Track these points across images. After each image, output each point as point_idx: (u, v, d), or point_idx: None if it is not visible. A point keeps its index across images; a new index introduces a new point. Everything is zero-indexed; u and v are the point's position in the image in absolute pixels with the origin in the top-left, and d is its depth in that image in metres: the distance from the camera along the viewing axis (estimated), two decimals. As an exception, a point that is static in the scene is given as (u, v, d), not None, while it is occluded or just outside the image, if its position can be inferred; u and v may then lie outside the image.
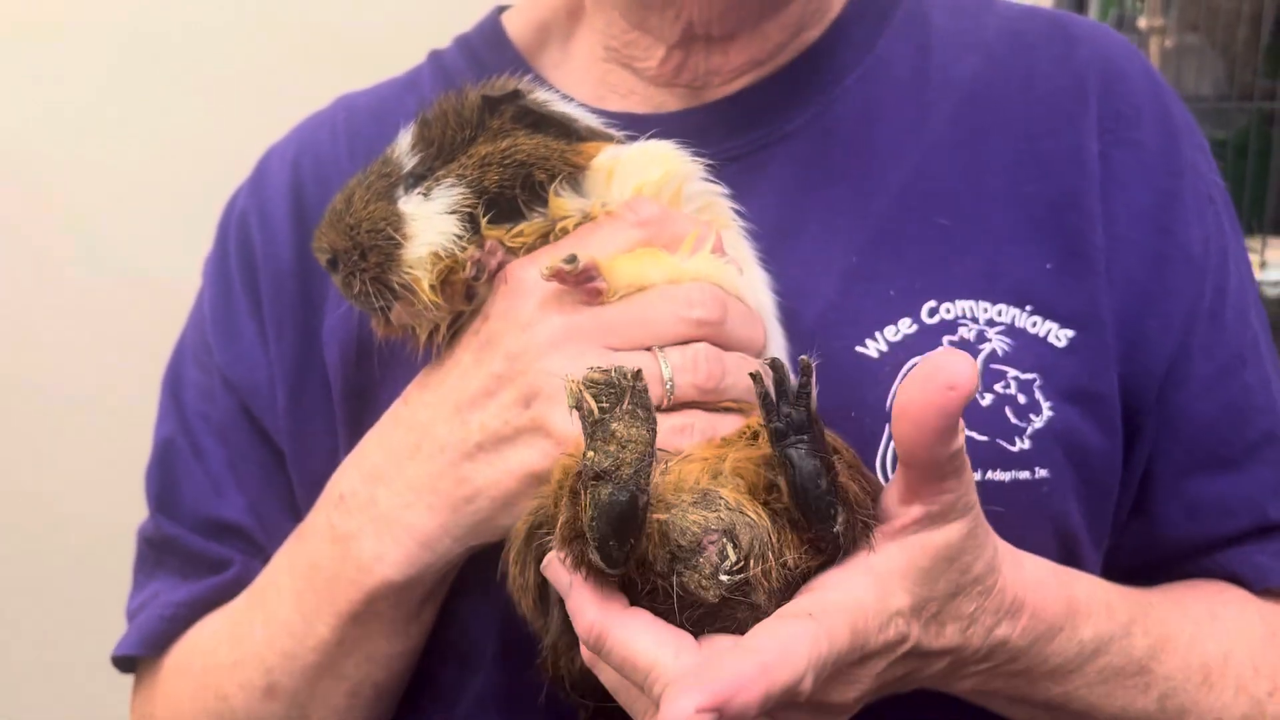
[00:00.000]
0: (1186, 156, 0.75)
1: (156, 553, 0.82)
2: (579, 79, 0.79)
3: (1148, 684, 0.65)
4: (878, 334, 0.68)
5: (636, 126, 0.70)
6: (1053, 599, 0.60)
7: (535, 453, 0.61)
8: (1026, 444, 0.67)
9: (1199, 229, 0.74)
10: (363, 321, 0.71)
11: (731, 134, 0.74)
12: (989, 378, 0.68)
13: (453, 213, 0.64)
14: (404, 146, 0.67)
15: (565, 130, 0.67)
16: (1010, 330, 0.69)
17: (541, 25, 0.83)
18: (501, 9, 0.86)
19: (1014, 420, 0.68)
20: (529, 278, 0.62)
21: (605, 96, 0.78)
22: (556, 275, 0.59)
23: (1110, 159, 0.73)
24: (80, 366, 1.70)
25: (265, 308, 0.79)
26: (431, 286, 0.63)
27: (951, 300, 0.69)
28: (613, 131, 0.69)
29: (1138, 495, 0.74)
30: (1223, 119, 1.95)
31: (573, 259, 0.58)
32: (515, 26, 0.84)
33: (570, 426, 0.54)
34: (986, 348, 0.69)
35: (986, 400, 0.68)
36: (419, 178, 0.66)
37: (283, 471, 0.78)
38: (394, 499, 0.65)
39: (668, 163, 0.67)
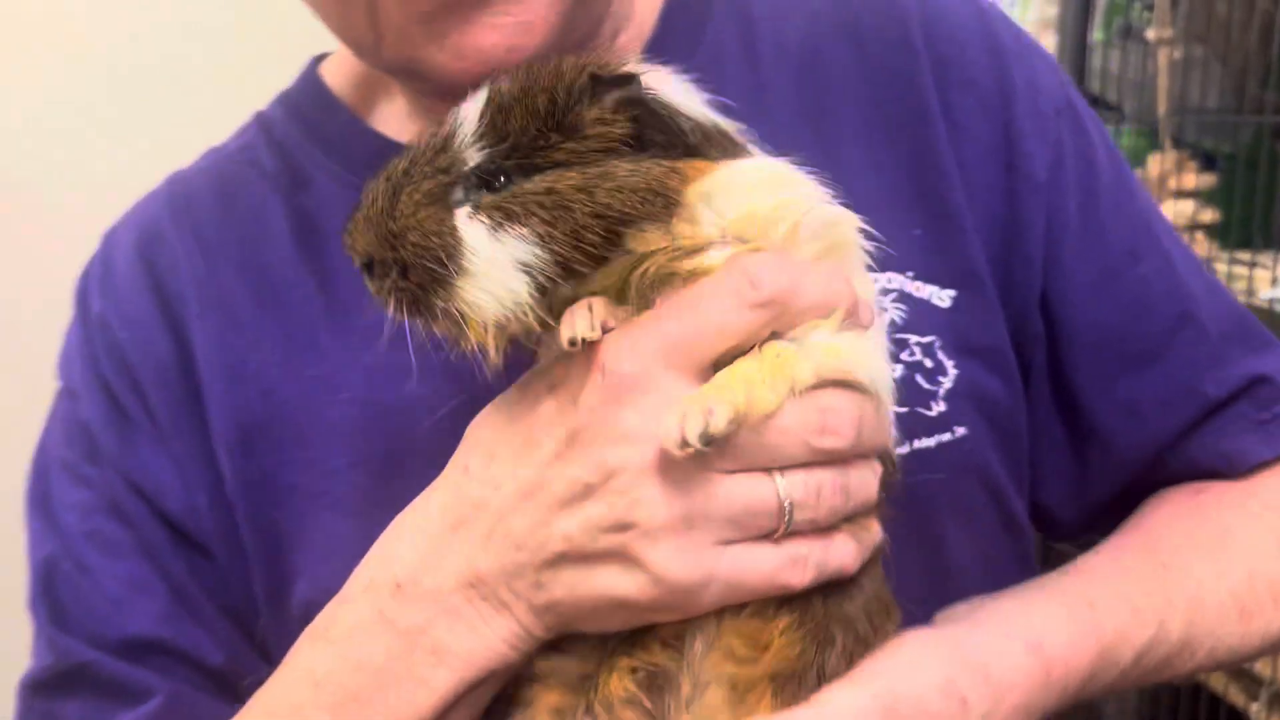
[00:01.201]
0: (1017, 80, 0.74)
1: (50, 696, 0.70)
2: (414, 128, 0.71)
3: (1192, 651, 0.67)
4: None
5: None
6: (1080, 650, 0.61)
7: (628, 582, 0.54)
8: (942, 406, 0.69)
9: (1042, 150, 0.73)
10: (250, 404, 0.68)
11: None
12: (894, 348, 0.66)
13: (525, 271, 0.53)
14: (469, 131, 0.55)
15: (670, 138, 0.55)
16: (902, 297, 0.69)
17: (364, 77, 0.77)
18: (318, 59, 0.81)
19: (925, 385, 0.69)
20: (628, 373, 0.53)
21: None
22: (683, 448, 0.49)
23: (950, 106, 0.73)
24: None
25: (156, 407, 0.72)
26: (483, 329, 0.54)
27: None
28: (732, 140, 0.58)
29: (1086, 423, 0.74)
30: (1230, 132, 1.92)
31: (708, 439, 0.49)
32: (337, 80, 0.78)
33: (672, 567, 0.52)
34: (885, 317, 0.68)
35: (897, 371, 0.67)
36: (484, 182, 0.55)
37: (211, 570, 0.71)
38: (464, 589, 0.57)
39: (782, 188, 0.57)
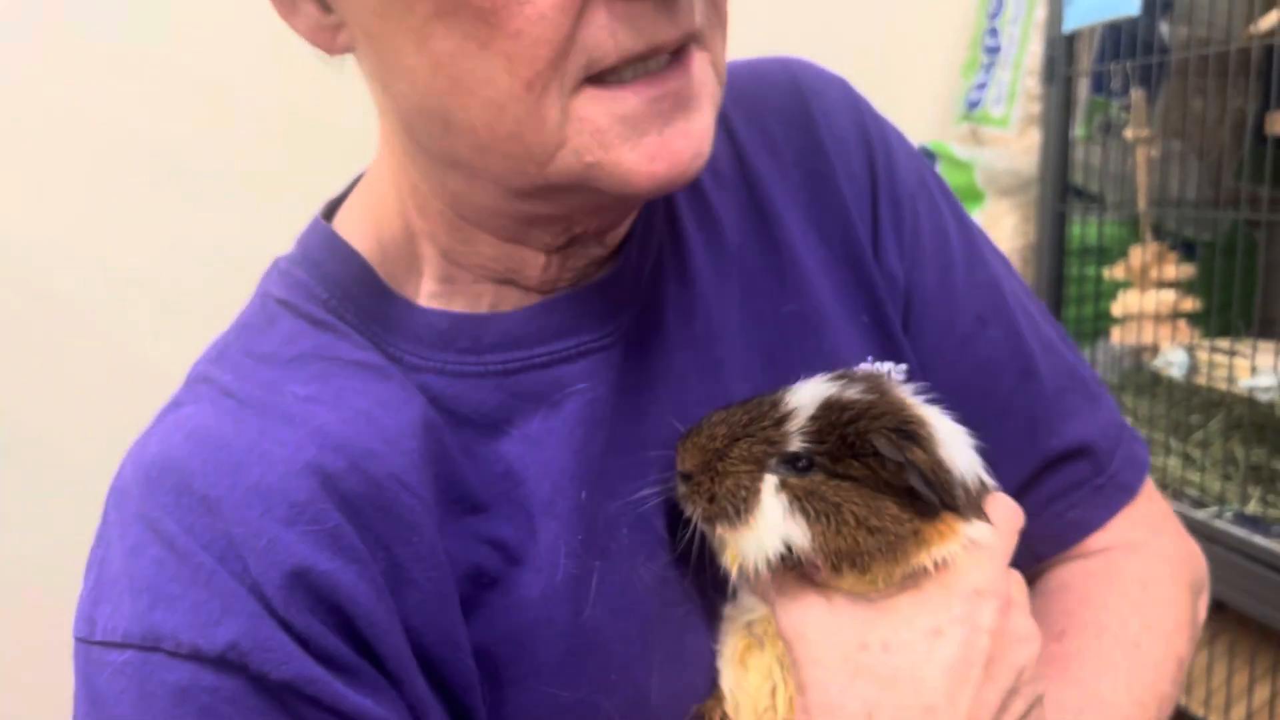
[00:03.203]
0: (881, 165, 0.82)
1: None
2: (461, 302, 0.70)
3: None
4: None
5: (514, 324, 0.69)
6: None
7: None
8: None
9: (899, 233, 0.81)
10: None
11: (612, 314, 0.71)
12: None
13: (785, 544, 0.65)
14: (800, 419, 0.66)
15: (940, 497, 0.65)
16: None
17: (387, 246, 0.71)
18: (327, 212, 0.74)
19: None
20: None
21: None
22: None
23: (861, 203, 0.81)
24: (76, 455, 1.72)
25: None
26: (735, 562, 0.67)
27: None
28: (985, 487, 0.70)
29: None
30: (1209, 222, 2.00)
31: None
32: (366, 246, 0.70)
33: None
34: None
35: None
36: (792, 466, 0.66)
37: None
38: None
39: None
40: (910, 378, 0.77)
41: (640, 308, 0.73)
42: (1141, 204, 1.89)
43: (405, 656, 0.59)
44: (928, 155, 2.24)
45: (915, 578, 0.66)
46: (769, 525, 0.65)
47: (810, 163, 0.80)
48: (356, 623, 0.57)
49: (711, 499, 0.66)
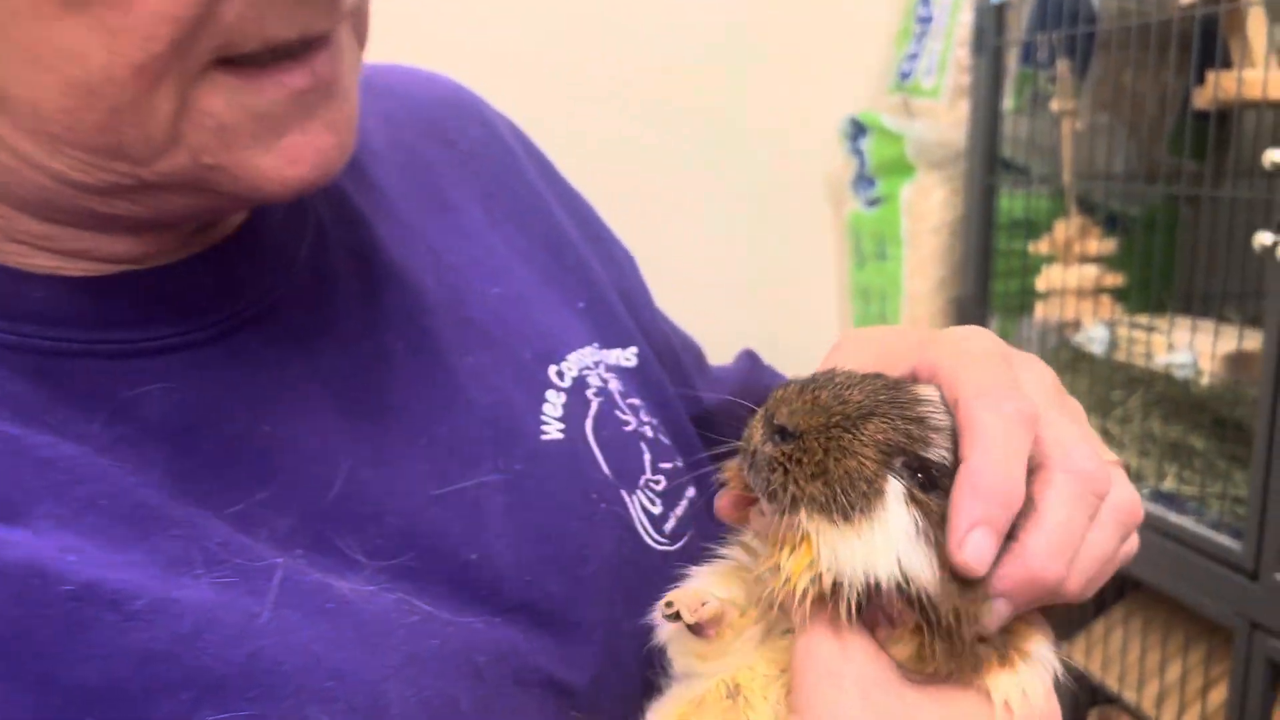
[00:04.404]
0: (546, 163, 0.82)
1: None
2: None
3: None
4: (545, 417, 0.66)
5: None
6: None
7: None
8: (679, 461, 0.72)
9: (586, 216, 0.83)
10: None
11: (225, 298, 0.57)
12: (635, 412, 0.71)
13: (901, 571, 0.48)
14: (945, 429, 0.50)
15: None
16: (608, 368, 0.72)
17: None
18: None
19: (667, 441, 0.72)
20: None
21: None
22: None
23: (551, 195, 0.79)
24: None
25: None
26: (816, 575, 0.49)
27: (561, 358, 0.69)
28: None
29: None
30: (1136, 197, 1.99)
31: None
32: None
33: None
34: (613, 386, 0.71)
35: (649, 430, 0.71)
36: (913, 475, 0.50)
37: None
38: None
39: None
40: (642, 363, 0.74)
41: (287, 286, 0.60)
42: (1066, 177, 1.87)
43: None
44: (858, 127, 2.20)
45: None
46: (888, 541, 0.48)
47: (493, 153, 0.77)
48: None
49: (822, 476, 0.49)
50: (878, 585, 0.47)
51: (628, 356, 0.74)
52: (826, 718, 0.48)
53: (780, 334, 2.37)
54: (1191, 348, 1.62)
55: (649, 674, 0.63)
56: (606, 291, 0.76)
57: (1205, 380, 1.62)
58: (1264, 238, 1.34)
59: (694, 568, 0.59)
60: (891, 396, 0.51)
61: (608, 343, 0.74)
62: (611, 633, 0.62)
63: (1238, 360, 1.60)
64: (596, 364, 0.71)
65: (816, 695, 0.48)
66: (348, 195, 0.66)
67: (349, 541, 0.56)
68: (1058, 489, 0.49)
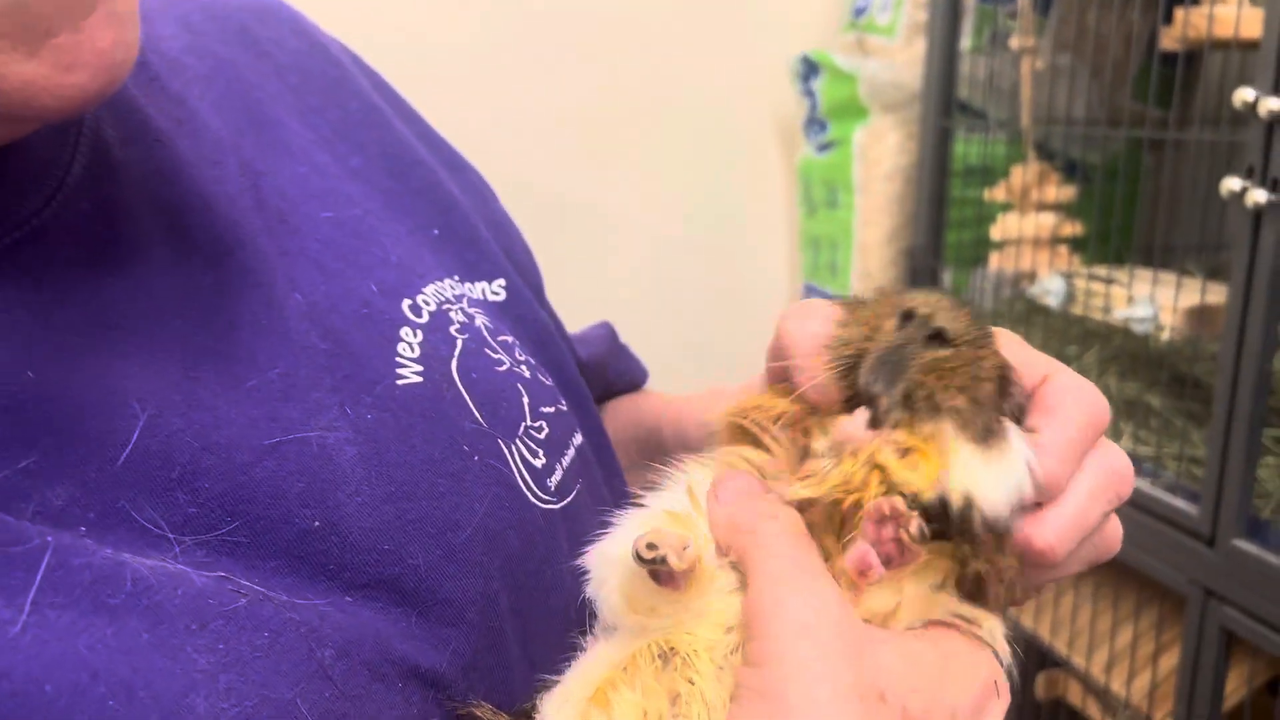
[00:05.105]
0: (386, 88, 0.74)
1: None
2: None
3: None
4: (400, 359, 0.57)
5: None
6: None
7: None
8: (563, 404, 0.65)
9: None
10: None
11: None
12: (509, 350, 0.63)
13: (1016, 499, 0.48)
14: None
15: None
16: (473, 302, 0.63)
17: None
18: None
19: (548, 382, 0.65)
20: None
21: None
22: None
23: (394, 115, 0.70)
24: None
25: None
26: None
27: (416, 292, 0.60)
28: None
29: None
30: (1095, 143, 1.90)
31: None
32: None
33: None
34: (480, 322, 0.62)
35: (526, 370, 0.63)
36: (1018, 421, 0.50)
37: None
38: None
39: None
40: (513, 296, 0.67)
41: (54, 212, 0.49)
42: (1025, 120, 1.78)
43: None
44: (809, 66, 2.09)
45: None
46: (1013, 468, 0.47)
47: (316, 64, 0.67)
48: None
49: (972, 394, 0.48)
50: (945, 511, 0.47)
51: (495, 290, 0.65)
52: (802, 672, 0.44)
53: (728, 285, 2.27)
54: (1152, 301, 1.54)
55: (533, 654, 0.55)
56: (468, 216, 0.67)
57: (1165, 335, 1.54)
58: (1231, 183, 1.25)
59: (622, 515, 0.53)
60: (985, 333, 0.51)
61: (471, 275, 0.64)
62: (489, 610, 0.52)
63: (1200, 314, 1.52)
64: (459, 297, 0.62)
65: (789, 648, 0.45)
66: (138, 108, 0.55)
67: (150, 513, 0.45)
68: (1088, 479, 0.50)
